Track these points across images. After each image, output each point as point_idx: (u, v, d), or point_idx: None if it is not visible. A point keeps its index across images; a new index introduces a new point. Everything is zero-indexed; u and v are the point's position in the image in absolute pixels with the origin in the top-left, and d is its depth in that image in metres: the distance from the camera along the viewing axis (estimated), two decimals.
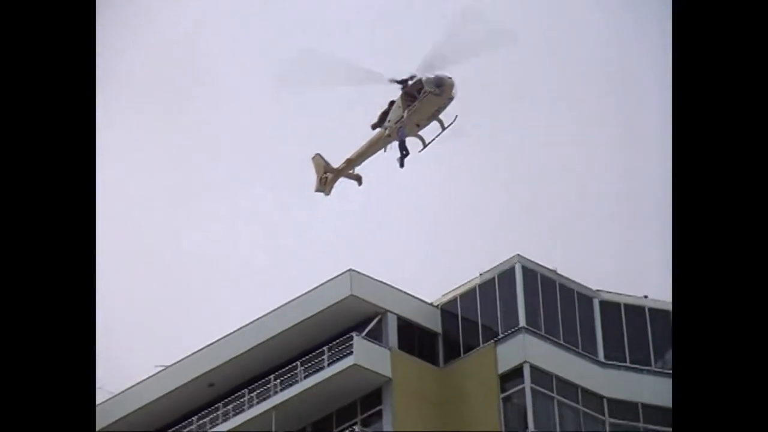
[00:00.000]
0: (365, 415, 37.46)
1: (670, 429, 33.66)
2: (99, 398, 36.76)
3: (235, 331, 38.51)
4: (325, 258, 56.64)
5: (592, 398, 37.09)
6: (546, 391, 36.71)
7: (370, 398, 37.70)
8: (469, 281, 40.17)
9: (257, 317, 38.44)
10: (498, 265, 39.69)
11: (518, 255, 39.75)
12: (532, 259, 39.76)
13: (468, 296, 40.13)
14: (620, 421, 37.66)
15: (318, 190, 36.12)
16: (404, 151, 34.25)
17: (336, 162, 34.94)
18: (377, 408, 37.55)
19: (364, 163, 36.12)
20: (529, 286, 39.21)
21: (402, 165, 35.17)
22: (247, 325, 38.35)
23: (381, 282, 39.57)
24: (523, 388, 36.66)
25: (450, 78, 33.70)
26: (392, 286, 40.24)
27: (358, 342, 37.41)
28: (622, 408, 37.63)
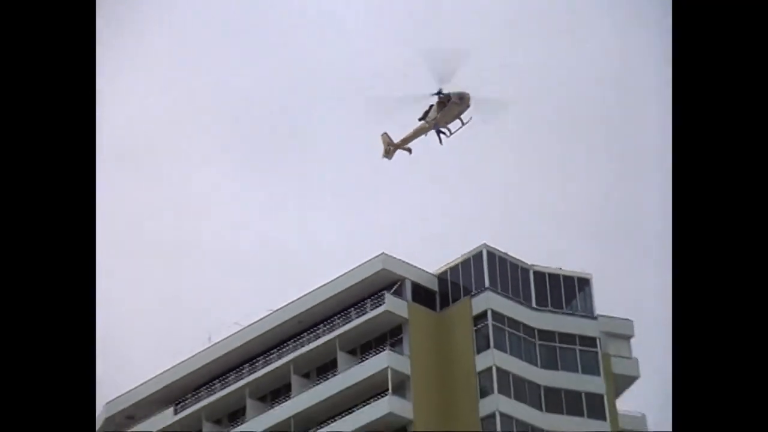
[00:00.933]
0: (392, 340, 50.06)
1: (575, 347, 47.91)
2: (231, 331, 51.52)
3: (313, 290, 51.23)
4: (367, 244, 73.00)
5: (529, 329, 49.48)
6: (501, 326, 48.90)
7: (395, 331, 50.09)
8: (454, 260, 52.99)
9: (327, 281, 50.83)
10: (473, 250, 52.57)
11: (485, 243, 52.03)
12: (493, 246, 51.78)
13: (454, 269, 52.90)
14: (545, 343, 49.86)
15: (384, 156, 45.19)
16: (440, 135, 42.84)
17: (396, 139, 44.03)
18: (399, 336, 49.96)
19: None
20: (491, 262, 51.22)
21: (441, 142, 44.10)
22: (321, 287, 50.96)
23: (401, 260, 51.23)
24: (487, 324, 49.12)
25: (468, 93, 41.92)
26: (408, 263, 51.64)
27: (389, 297, 49.21)
28: (546, 335, 50.74)
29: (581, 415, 48.87)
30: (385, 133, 45.16)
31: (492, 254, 51.53)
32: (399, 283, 51.33)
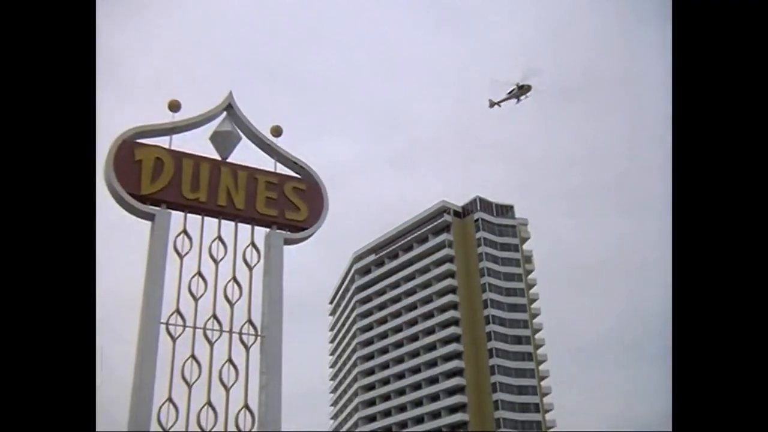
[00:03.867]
0: (447, 230, 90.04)
1: (509, 228, 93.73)
2: (391, 226, 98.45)
3: (421, 212, 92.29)
4: (435, 195, 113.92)
5: (492, 224, 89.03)
6: (483, 223, 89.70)
7: (448, 228, 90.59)
8: (468, 201, 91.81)
9: (423, 210, 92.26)
10: (473, 198, 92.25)
11: (478, 195, 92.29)
12: (483, 196, 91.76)
13: (467, 204, 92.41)
14: (499, 227, 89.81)
15: (489, 107, 68.11)
16: (519, 100, 64.07)
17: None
18: (449, 229, 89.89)
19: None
20: (481, 201, 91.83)
21: (517, 102, 64.56)
22: (422, 212, 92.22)
23: (449, 202, 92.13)
24: (479, 222, 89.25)
25: (531, 85, 64.67)
26: (452, 203, 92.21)
27: (446, 216, 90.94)
28: (498, 226, 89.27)
29: (510, 250, 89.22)
30: (490, 99, 69.16)
31: (481, 199, 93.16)
32: (449, 210, 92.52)
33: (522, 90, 63.20)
